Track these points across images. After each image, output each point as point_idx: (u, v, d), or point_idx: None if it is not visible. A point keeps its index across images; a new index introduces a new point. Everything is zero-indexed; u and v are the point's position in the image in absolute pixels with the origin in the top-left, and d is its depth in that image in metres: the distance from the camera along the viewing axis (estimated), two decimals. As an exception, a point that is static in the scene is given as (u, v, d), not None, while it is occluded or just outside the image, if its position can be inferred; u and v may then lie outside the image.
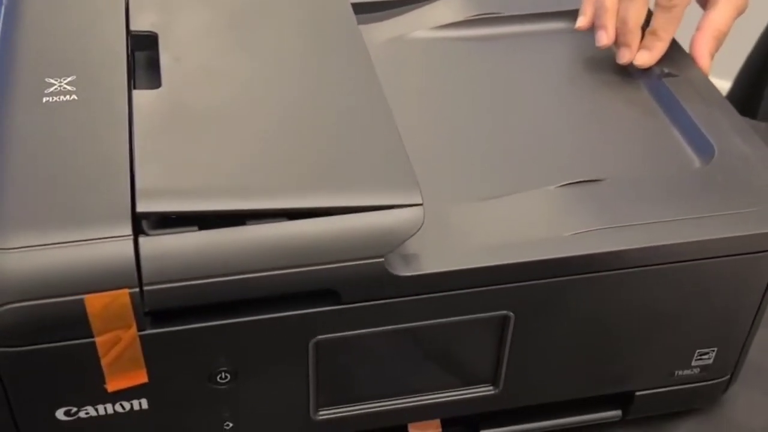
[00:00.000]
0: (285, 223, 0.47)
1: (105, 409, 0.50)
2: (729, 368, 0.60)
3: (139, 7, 0.59)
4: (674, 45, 0.66)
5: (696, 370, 0.59)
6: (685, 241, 0.52)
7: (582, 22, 0.67)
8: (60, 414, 0.50)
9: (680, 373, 0.59)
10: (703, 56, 0.65)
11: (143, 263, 0.46)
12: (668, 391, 0.60)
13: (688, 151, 0.59)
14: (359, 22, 0.69)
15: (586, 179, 0.56)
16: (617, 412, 0.61)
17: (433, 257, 0.50)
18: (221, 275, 0.47)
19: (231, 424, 0.53)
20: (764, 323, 0.69)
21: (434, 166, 0.57)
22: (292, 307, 0.49)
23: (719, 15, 0.66)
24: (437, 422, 0.60)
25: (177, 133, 0.50)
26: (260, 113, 0.53)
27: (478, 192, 0.55)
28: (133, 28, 0.58)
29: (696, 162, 0.58)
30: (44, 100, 0.53)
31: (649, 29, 0.65)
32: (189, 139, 0.50)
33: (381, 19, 0.71)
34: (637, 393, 0.59)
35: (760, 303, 0.56)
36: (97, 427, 0.51)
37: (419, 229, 0.48)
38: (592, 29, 0.66)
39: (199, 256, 0.46)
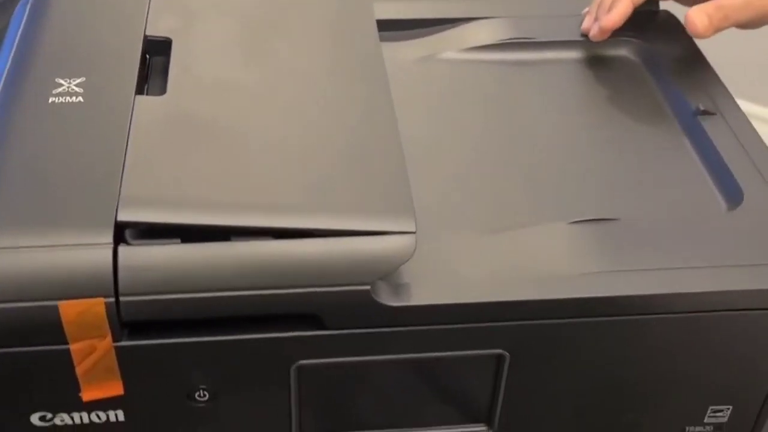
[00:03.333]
0: (270, 242, 0.46)
1: (80, 417, 0.49)
2: (746, 429, 0.56)
3: (159, 10, 0.59)
4: (714, 80, 0.63)
5: (709, 428, 0.55)
6: (701, 291, 0.49)
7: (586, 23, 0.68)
8: (35, 419, 0.49)
9: (691, 429, 0.55)
10: (697, 14, 0.62)
11: (121, 273, 0.44)
12: (678, 447, 0.56)
13: (716, 194, 0.55)
14: (391, 39, 0.68)
15: (602, 217, 0.53)
16: (623, 465, 0.58)
17: (426, 289, 0.48)
18: (201, 291, 0.45)
19: (210, 444, 0.52)
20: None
21: (444, 194, 0.55)
22: (274, 329, 0.47)
23: None
24: (431, 459, 0.57)
25: (172, 143, 0.49)
26: (262, 128, 0.51)
27: (487, 224, 0.53)
28: (149, 32, 0.57)
29: (722, 206, 0.54)
30: (50, 100, 0.52)
31: None
32: (183, 149, 0.49)
33: (413, 37, 0.69)
34: (645, 446, 0.56)
35: (781, 362, 0.52)
36: (72, 435, 0.50)
37: (409, 258, 0.46)
38: None
39: (179, 270, 0.45)
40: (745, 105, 0.61)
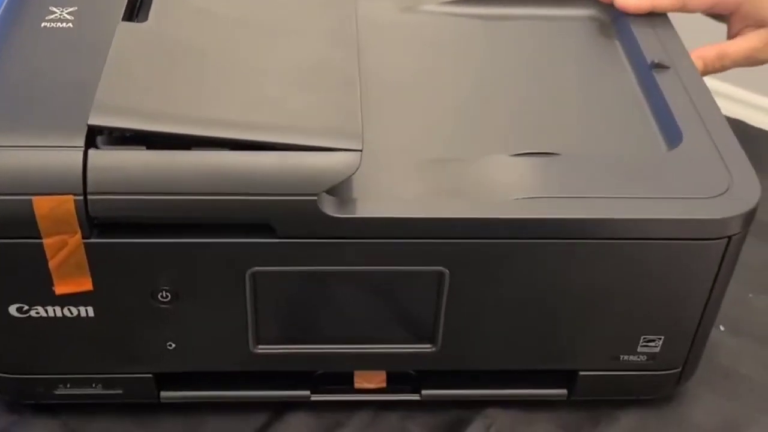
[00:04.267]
0: (227, 152, 0.50)
1: (54, 311, 0.54)
2: (679, 361, 0.59)
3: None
4: (673, 37, 0.66)
5: (642, 357, 0.59)
6: (633, 218, 0.52)
7: None
8: (13, 310, 0.54)
9: (625, 358, 0.59)
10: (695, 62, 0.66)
11: (89, 173, 0.49)
12: (613, 375, 0.60)
13: (657, 136, 0.59)
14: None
15: (543, 151, 0.56)
16: (563, 391, 0.61)
17: (370, 205, 0.52)
18: (162, 193, 0.49)
19: (173, 345, 0.56)
20: (736, 331, 0.69)
21: (400, 126, 0.59)
22: (231, 235, 0.52)
23: (734, 41, 0.72)
24: (383, 376, 0.61)
25: (146, 62, 0.54)
26: (231, 52, 0.55)
27: (435, 153, 0.56)
28: (138, -32, 0.62)
29: (662, 147, 0.58)
30: (42, 24, 0.57)
31: None
32: (156, 68, 0.53)
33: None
34: (581, 372, 0.60)
35: (710, 294, 0.56)
36: (47, 327, 0.54)
37: (353, 173, 0.50)
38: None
39: (142, 173, 0.49)
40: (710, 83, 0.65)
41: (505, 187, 0.53)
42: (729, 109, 0.82)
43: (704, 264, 0.54)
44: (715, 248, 0.53)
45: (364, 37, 0.61)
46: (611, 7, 0.70)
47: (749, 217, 0.53)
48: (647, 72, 0.63)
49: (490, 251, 0.53)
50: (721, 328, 0.69)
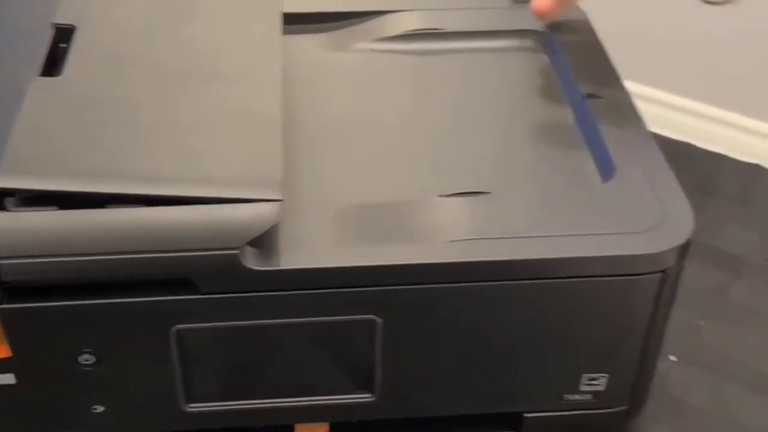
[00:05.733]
0: (142, 208, 0.48)
1: (-27, 380, 0.52)
2: (625, 398, 0.58)
3: None
4: (607, 68, 0.65)
5: (587, 396, 0.57)
6: (562, 256, 0.51)
7: None
8: (-70, 380, 0.52)
9: (569, 397, 0.57)
10: None
11: (-2, 237, 0.47)
12: (559, 415, 0.58)
13: (591, 169, 0.58)
14: (308, 32, 0.71)
15: (473, 191, 0.55)
16: (509, 434, 0.60)
17: (297, 255, 0.50)
18: (76, 255, 0.48)
19: (100, 408, 0.54)
20: (688, 361, 0.68)
21: (329, 170, 0.57)
22: (152, 293, 0.50)
23: None
24: (326, 428, 0.59)
25: (59, 118, 0.52)
26: (149, 103, 0.54)
27: (362, 197, 0.55)
28: (57, 20, 0.60)
29: (595, 181, 0.57)
30: (-45, 82, 0.55)
31: None
32: (68, 124, 0.52)
33: (327, 30, 0.72)
34: (526, 415, 0.58)
35: (649, 329, 0.54)
36: (-34, 397, 0.52)
37: (273, 224, 0.48)
38: None
39: (55, 235, 0.48)
40: (632, 86, 0.64)
41: (435, 230, 0.52)
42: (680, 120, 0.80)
43: (640, 299, 0.53)
44: (650, 283, 0.52)
45: (292, 78, 0.60)
46: (546, 38, 0.69)
47: (683, 249, 0.52)
48: (581, 103, 0.62)
49: (423, 297, 0.51)
50: (672, 358, 0.68)
